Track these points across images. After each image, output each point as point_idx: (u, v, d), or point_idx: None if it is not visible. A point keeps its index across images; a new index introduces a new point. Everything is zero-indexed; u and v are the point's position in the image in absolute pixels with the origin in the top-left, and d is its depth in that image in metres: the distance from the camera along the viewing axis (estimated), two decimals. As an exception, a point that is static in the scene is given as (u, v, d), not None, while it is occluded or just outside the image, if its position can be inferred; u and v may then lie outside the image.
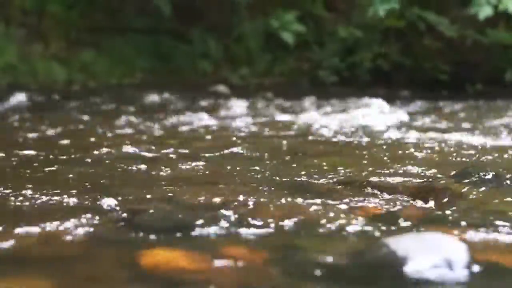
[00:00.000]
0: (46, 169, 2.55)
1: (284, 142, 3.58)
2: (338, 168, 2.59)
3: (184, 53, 9.45)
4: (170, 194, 2.02)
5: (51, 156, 2.90)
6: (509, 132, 4.14)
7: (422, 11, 9.34)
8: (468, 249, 1.37)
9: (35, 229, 1.64)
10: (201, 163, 2.70)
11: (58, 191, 2.06)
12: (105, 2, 9.33)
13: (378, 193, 2.11)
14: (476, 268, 1.36)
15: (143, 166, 2.60)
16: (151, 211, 1.77)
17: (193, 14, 9.45)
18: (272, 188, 2.18)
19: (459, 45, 9.47)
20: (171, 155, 2.99)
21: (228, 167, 2.61)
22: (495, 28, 9.26)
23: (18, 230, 1.62)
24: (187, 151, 3.12)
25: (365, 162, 2.84)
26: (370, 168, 2.60)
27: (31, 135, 3.77)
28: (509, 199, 2.09)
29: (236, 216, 1.75)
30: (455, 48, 9.49)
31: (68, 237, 1.60)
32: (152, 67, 9.21)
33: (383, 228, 1.71)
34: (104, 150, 3.02)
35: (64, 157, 2.88)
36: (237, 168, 2.59)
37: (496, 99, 7.33)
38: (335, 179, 2.36)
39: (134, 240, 1.58)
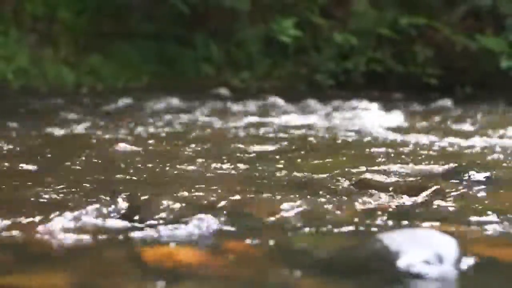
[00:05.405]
0: (49, 167, 2.55)
1: (282, 142, 3.58)
2: (333, 167, 2.59)
3: (188, 58, 9.45)
4: (172, 191, 2.02)
5: (52, 155, 2.89)
6: (496, 133, 4.14)
7: (413, 18, 9.35)
8: (458, 244, 1.37)
9: (41, 226, 1.63)
10: (203, 161, 2.70)
11: (64, 188, 2.05)
12: (113, 9, 9.32)
13: (372, 191, 2.10)
14: (465, 262, 1.36)
15: (146, 164, 2.60)
16: (154, 207, 1.77)
17: (196, 20, 9.45)
18: (271, 186, 2.17)
19: (449, 51, 9.47)
20: (173, 154, 2.98)
21: (229, 165, 2.60)
22: (484, 34, 9.26)
23: (25, 227, 1.62)
24: (188, 149, 3.12)
25: (360, 161, 2.84)
26: (364, 167, 2.59)
27: (43, 134, 3.77)
28: (496, 196, 2.09)
29: (237, 212, 1.75)
30: (445, 54, 9.49)
31: (74, 233, 1.59)
32: (157, 71, 9.20)
33: (377, 224, 1.71)
34: (107, 149, 3.01)
35: (69, 155, 2.88)
36: (238, 166, 2.59)
37: (484, 102, 7.34)
38: (330, 178, 2.36)
39: (139, 236, 1.57)
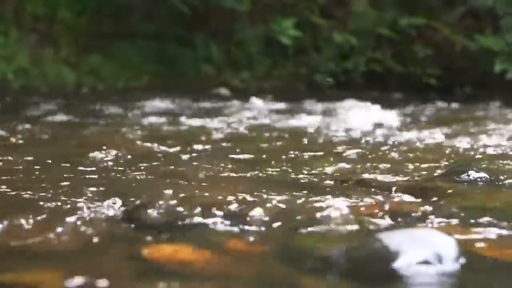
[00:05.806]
0: (47, 166, 2.55)
1: (282, 142, 3.58)
2: (333, 167, 2.59)
3: (188, 58, 9.45)
4: (173, 191, 2.02)
5: (51, 155, 2.89)
6: (495, 133, 4.14)
7: (413, 18, 9.36)
8: (457, 244, 1.37)
9: (43, 226, 1.63)
10: (203, 161, 2.70)
11: (66, 189, 2.05)
12: (113, 9, 9.32)
13: (371, 191, 2.11)
14: (464, 261, 1.36)
15: (147, 164, 2.60)
16: (156, 207, 1.77)
17: (196, 20, 9.45)
18: (271, 186, 2.17)
19: (448, 51, 9.47)
20: (174, 154, 2.98)
21: (229, 166, 2.61)
22: (483, 34, 9.26)
23: (27, 227, 1.62)
24: (189, 150, 3.12)
25: (359, 161, 2.84)
26: (363, 168, 2.60)
27: (43, 134, 3.77)
28: (496, 196, 2.09)
29: (237, 212, 1.75)
30: (444, 54, 9.49)
31: (77, 233, 1.59)
32: (157, 71, 9.20)
33: (376, 224, 1.71)
34: (109, 149, 3.01)
35: (68, 155, 2.87)
36: (238, 167, 2.59)
37: (484, 101, 7.34)
38: (330, 178, 2.36)
39: (140, 235, 1.58)
